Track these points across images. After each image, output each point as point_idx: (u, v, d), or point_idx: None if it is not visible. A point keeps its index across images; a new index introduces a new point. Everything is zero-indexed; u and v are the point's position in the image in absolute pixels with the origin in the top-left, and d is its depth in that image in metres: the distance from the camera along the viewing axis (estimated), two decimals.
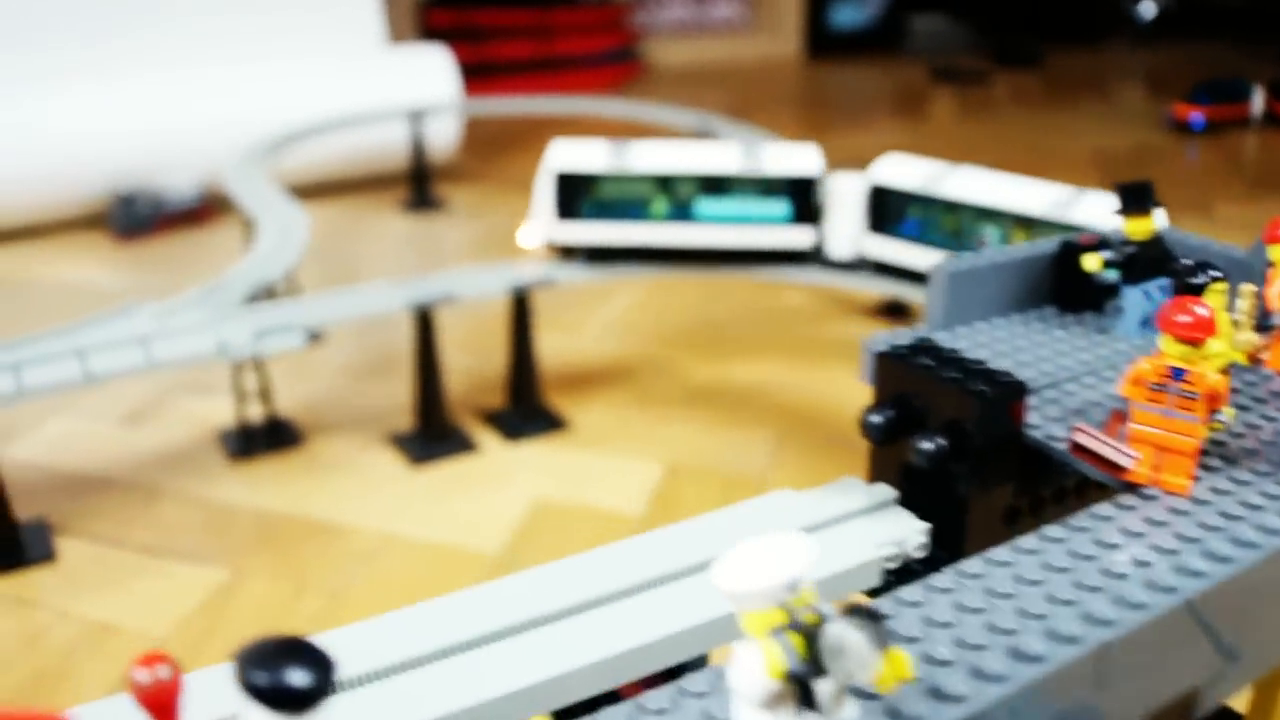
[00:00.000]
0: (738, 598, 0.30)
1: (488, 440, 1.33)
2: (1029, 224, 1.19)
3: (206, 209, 2.19)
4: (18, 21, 2.22)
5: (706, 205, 1.27)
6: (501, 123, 2.83)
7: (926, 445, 0.48)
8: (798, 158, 1.27)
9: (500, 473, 1.27)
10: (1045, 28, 4.18)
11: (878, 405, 0.52)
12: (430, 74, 2.39)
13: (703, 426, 1.36)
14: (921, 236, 1.26)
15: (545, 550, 1.12)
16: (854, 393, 1.42)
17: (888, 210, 1.27)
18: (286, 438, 1.34)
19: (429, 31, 3.28)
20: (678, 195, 1.27)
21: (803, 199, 1.27)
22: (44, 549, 1.14)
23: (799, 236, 1.28)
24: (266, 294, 1.30)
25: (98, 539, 1.17)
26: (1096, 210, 1.13)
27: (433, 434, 1.30)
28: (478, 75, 2.97)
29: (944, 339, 0.62)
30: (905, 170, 1.27)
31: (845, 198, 1.29)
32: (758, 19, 3.86)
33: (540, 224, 1.27)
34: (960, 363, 0.51)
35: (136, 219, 2.11)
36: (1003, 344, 0.62)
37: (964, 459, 0.49)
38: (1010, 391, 0.49)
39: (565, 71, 3.41)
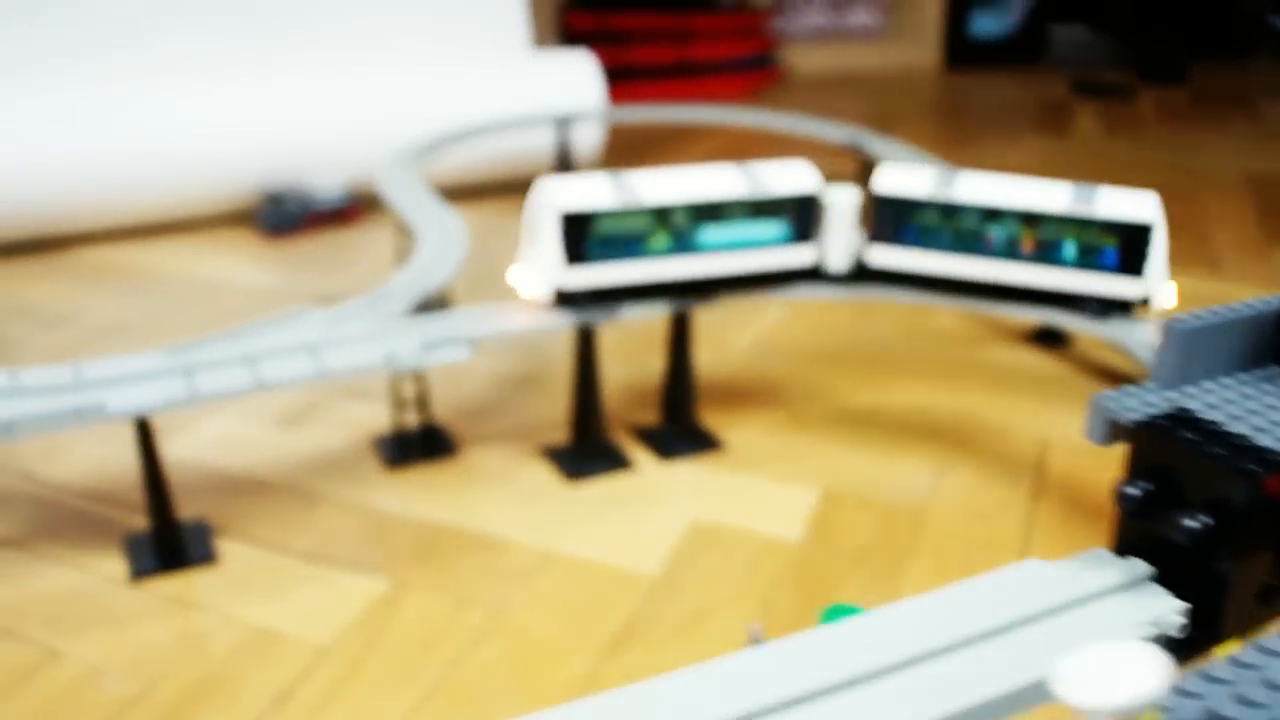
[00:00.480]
0: (1087, 712, 0.28)
1: (641, 458, 1.32)
2: (1044, 221, 1.20)
3: (353, 209, 2.21)
4: (171, 18, 2.26)
5: (708, 233, 1.23)
6: (641, 128, 2.83)
7: (1191, 524, 0.46)
8: (796, 176, 1.25)
9: (656, 492, 1.25)
10: (1189, 41, 4.07)
11: (1133, 476, 0.50)
12: (577, 80, 2.39)
13: (859, 451, 1.34)
14: (932, 243, 1.24)
15: (706, 574, 1.11)
16: (1015, 423, 1.39)
17: (895, 220, 1.24)
18: (441, 447, 1.34)
19: (568, 34, 3.28)
20: (678, 226, 1.22)
21: (803, 217, 1.25)
22: (205, 550, 1.16)
23: (801, 255, 1.26)
24: (430, 303, 1.30)
25: (258, 542, 1.18)
26: (1112, 204, 1.16)
27: (588, 450, 1.29)
28: (615, 79, 2.96)
29: (1174, 399, 0.59)
30: (909, 179, 1.24)
31: (842, 210, 1.26)
32: (896, 26, 3.81)
33: (543, 270, 1.19)
34: (1223, 437, 0.48)
35: (285, 217, 2.14)
36: (1234, 406, 0.59)
37: (1228, 537, 0.46)
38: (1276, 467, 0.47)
39: (703, 77, 3.39)
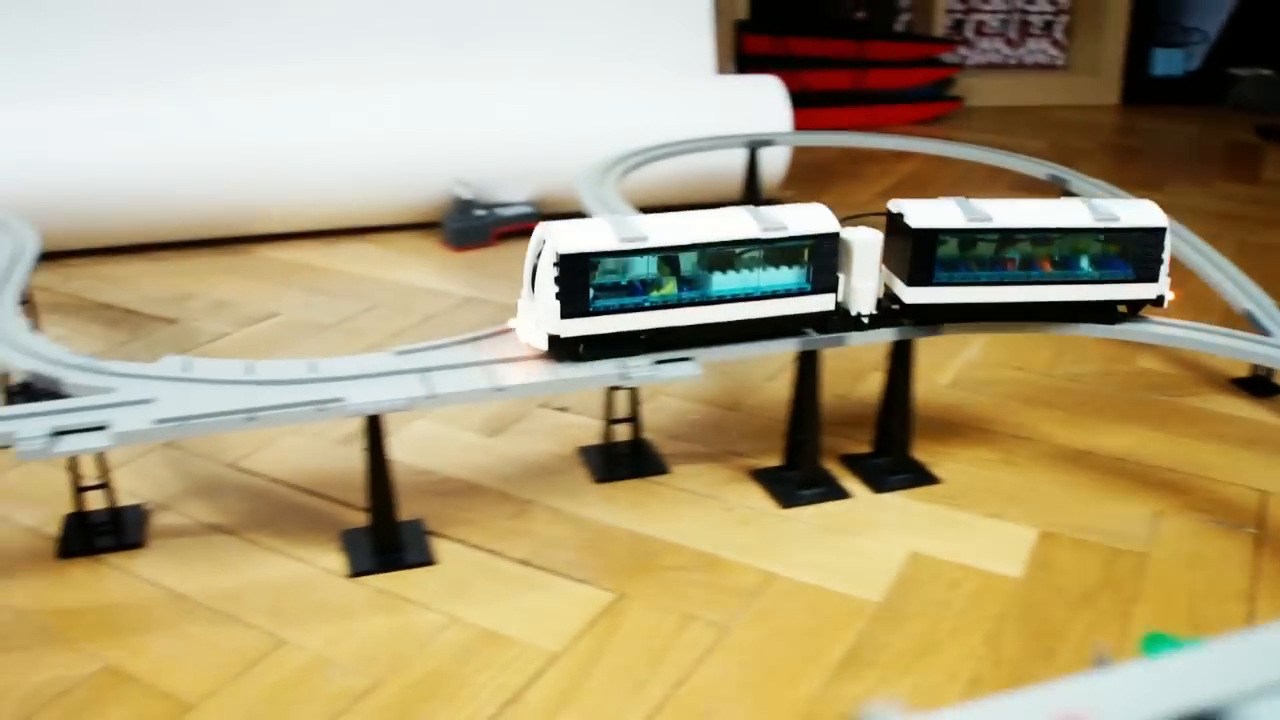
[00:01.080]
0: None
1: (854, 486, 1.30)
2: (1077, 236, 1.22)
3: (534, 225, 2.23)
4: (368, 26, 2.31)
5: (720, 280, 1.15)
6: (819, 153, 2.82)
7: None
8: (813, 218, 1.17)
9: (871, 522, 1.24)
10: None
11: None
12: (765, 104, 2.39)
13: (1073, 492, 1.31)
14: (975, 276, 1.21)
15: (929, 605, 1.09)
16: (1230, 471, 1.35)
17: (934, 256, 1.19)
18: (650, 463, 1.34)
19: (744, 57, 3.28)
20: (687, 271, 1.15)
21: (822, 261, 1.17)
22: (422, 550, 1.17)
23: (820, 302, 1.19)
24: None
25: (474, 546, 1.19)
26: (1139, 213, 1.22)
27: (803, 476, 1.28)
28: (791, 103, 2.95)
29: None
30: (940, 212, 1.20)
31: (865, 251, 1.20)
32: (1075, 62, 3.74)
33: (543, 318, 1.12)
34: None
35: (472, 228, 2.17)
36: None
37: None
38: None
39: (877, 105, 3.37)
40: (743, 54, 3.31)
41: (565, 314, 1.10)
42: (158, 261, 2.11)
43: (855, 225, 1.22)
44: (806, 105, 3.03)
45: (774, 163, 2.35)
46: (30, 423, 1.02)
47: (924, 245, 1.19)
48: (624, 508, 1.26)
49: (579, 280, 1.10)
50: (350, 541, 1.18)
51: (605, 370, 1.13)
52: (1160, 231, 1.21)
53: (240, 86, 2.22)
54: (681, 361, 1.15)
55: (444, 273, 2.07)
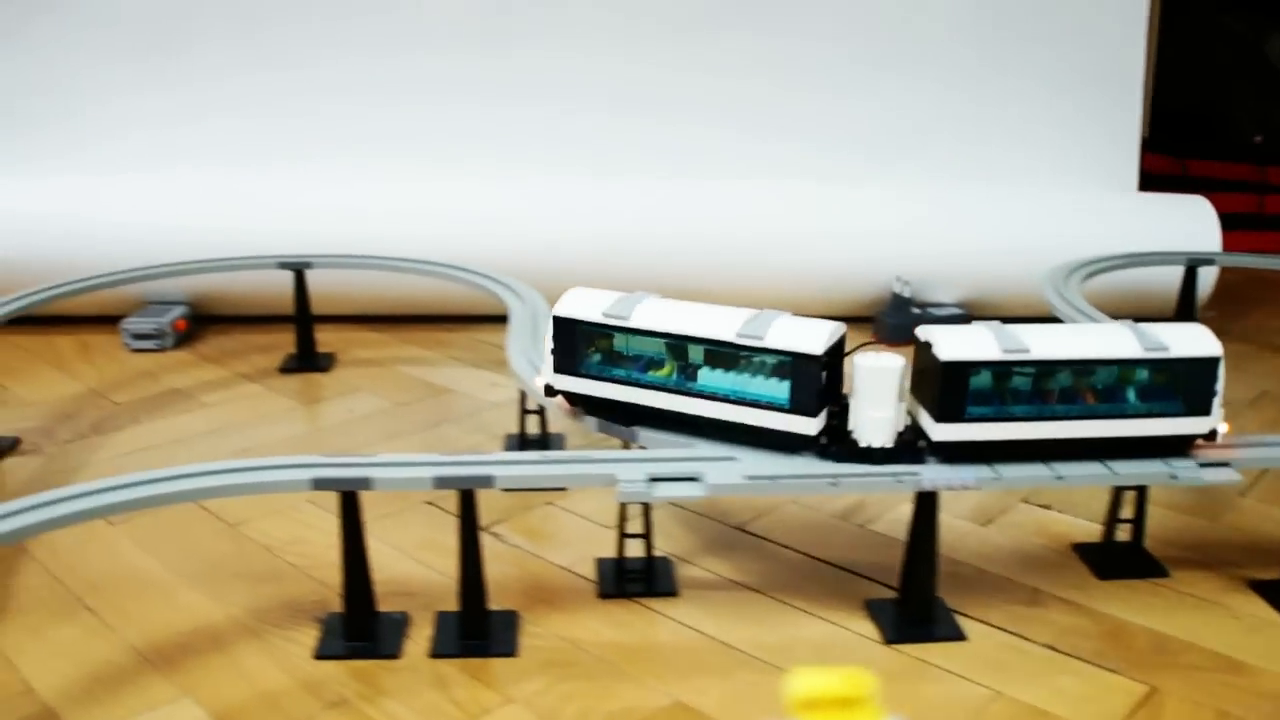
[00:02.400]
0: None
1: None
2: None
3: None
4: (824, 132, 2.43)
5: (707, 375, 1.17)
6: (1226, 275, 2.78)
7: None
8: (803, 333, 1.12)
9: None
10: None
11: None
12: (1195, 224, 2.39)
13: None
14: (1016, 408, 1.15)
15: None
16: None
17: (969, 388, 1.12)
18: (1150, 565, 1.36)
19: (1144, 175, 3.27)
20: (685, 360, 1.18)
21: (805, 381, 1.12)
22: (952, 627, 1.23)
23: (799, 423, 1.14)
24: None
25: (996, 626, 1.23)
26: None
27: None
28: None
29: None
30: (974, 340, 1.14)
31: (881, 378, 1.13)
32: None
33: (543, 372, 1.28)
34: None
35: (906, 325, 2.24)
36: None
37: None
38: None
39: (1276, 231, 3.30)
40: (1143, 172, 3.29)
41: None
42: None
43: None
44: None
45: (1203, 282, 2.34)
46: (629, 467, 1.13)
47: None
48: (1135, 605, 1.28)
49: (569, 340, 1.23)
50: (877, 610, 1.25)
51: (1155, 469, 1.17)
52: (1213, 361, 1.14)
53: (697, 178, 2.38)
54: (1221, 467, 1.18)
55: None
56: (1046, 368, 1.14)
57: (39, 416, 1.87)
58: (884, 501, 1.51)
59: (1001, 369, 1.13)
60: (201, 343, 2.27)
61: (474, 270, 1.94)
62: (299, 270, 2.05)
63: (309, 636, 1.21)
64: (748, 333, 1.15)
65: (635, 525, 1.31)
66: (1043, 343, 1.14)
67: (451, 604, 1.22)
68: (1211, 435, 1.17)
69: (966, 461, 1.15)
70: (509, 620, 1.23)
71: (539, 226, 2.31)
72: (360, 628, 1.19)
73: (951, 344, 1.13)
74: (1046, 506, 1.52)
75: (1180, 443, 1.18)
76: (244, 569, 1.36)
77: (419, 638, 1.20)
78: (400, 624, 1.22)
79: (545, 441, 1.66)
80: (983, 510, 1.50)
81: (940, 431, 1.14)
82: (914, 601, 1.23)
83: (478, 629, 1.19)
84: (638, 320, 1.20)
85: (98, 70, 2.38)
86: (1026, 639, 1.21)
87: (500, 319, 1.72)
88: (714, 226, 2.33)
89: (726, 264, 2.29)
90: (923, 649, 1.19)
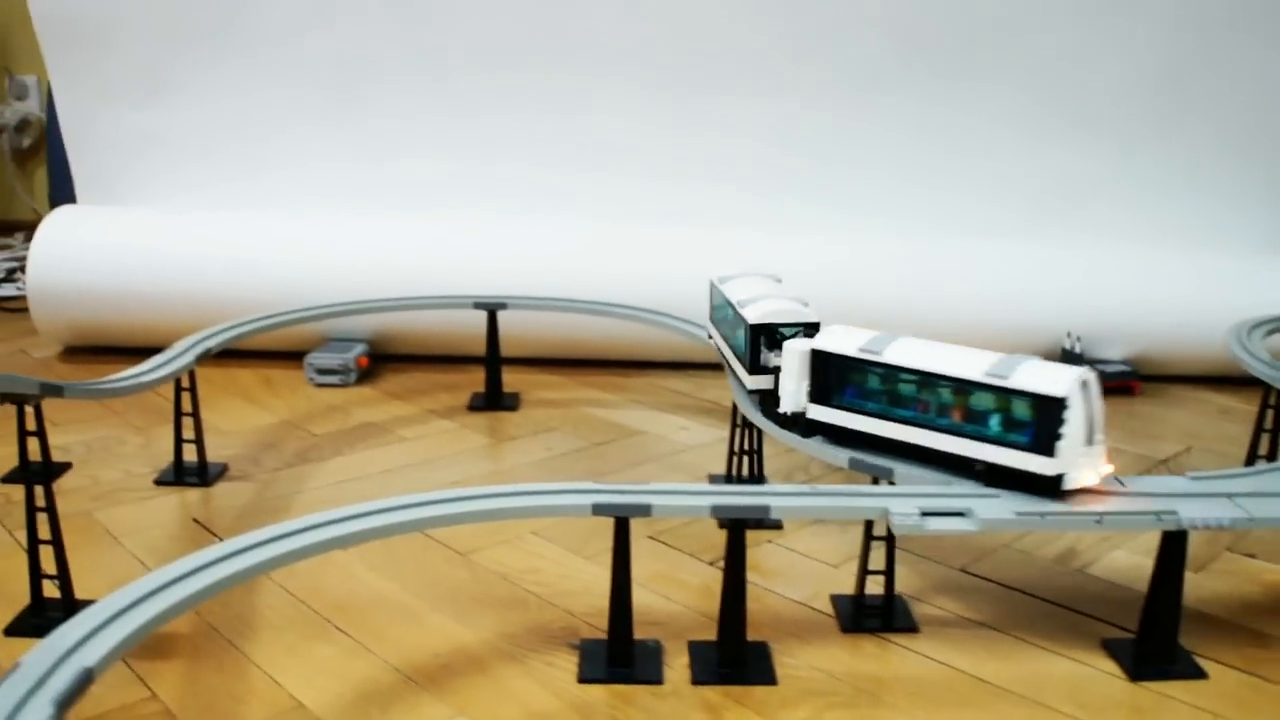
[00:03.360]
0: None
1: None
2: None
3: (1135, 382, 2.35)
4: (988, 190, 2.50)
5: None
6: None
7: None
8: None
9: None
10: None
11: None
12: None
13: None
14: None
15: None
16: None
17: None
18: None
19: None
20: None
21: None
22: (1191, 665, 1.26)
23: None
24: None
25: (1231, 666, 1.27)
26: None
27: None
28: None
29: None
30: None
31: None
32: None
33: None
34: None
35: None
36: None
37: None
38: None
39: None
40: None
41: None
42: None
43: None
44: None
45: None
46: (901, 501, 1.18)
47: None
48: None
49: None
50: (1115, 649, 1.29)
51: None
52: (1057, 401, 1.14)
53: (882, 233, 2.47)
54: None
55: None
56: (891, 372, 1.30)
57: (240, 445, 1.95)
58: (1097, 547, 1.55)
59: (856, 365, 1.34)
60: (382, 380, 2.35)
61: (677, 317, 2.02)
62: (492, 310, 2.12)
63: (567, 661, 1.26)
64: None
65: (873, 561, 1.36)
66: (904, 352, 1.28)
67: (696, 633, 1.27)
68: (1057, 480, 1.18)
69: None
70: (763, 650, 1.28)
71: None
72: (622, 653, 1.24)
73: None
74: (1251, 555, 1.55)
75: (1035, 480, 1.20)
76: (484, 595, 1.41)
77: (675, 664, 1.25)
78: (655, 651, 1.27)
79: (760, 481, 1.72)
80: (1192, 558, 1.54)
81: None
82: (1154, 639, 1.26)
83: (735, 657, 1.24)
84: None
85: (286, 113, 2.49)
86: (1264, 679, 1.25)
87: (672, 365, 1.77)
88: (895, 280, 2.43)
89: (905, 315, 2.35)
90: (1167, 685, 1.23)
